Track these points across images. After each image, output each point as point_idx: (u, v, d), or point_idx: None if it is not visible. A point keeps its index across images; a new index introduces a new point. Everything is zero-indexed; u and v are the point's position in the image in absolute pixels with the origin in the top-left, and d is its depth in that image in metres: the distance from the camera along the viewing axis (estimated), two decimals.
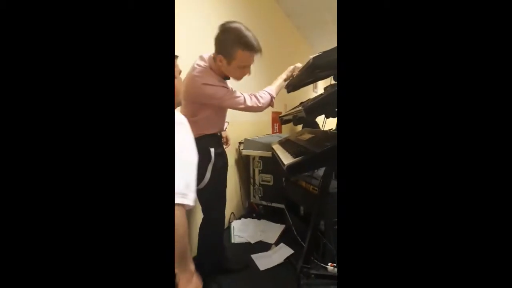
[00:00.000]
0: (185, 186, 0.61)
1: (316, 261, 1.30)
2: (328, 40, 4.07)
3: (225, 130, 1.25)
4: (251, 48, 1.01)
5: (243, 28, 1.00)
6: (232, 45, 1.00)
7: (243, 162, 2.09)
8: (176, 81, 0.79)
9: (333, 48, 0.84)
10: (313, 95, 4.11)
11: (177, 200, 0.59)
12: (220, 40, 1.03)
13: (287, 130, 3.15)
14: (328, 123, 1.48)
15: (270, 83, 1.26)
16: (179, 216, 0.60)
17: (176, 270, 0.63)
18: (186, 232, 0.63)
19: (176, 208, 0.59)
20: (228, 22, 1.02)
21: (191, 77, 1.07)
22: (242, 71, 1.08)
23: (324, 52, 0.83)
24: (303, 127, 2.65)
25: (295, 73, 1.25)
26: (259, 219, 1.94)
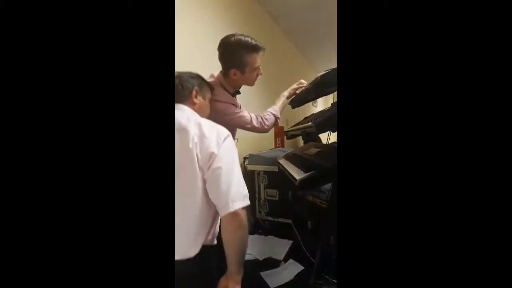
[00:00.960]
0: (242, 189, 0.72)
1: (327, 276, 1.28)
2: (326, 55, 4.19)
3: None
4: (256, 49, 1.08)
5: (241, 36, 1.07)
6: (240, 55, 1.06)
7: (248, 177, 2.09)
8: (205, 102, 0.86)
9: None
10: (313, 110, 4.17)
11: (239, 204, 0.69)
12: (227, 56, 1.09)
13: (288, 145, 3.17)
14: (331, 137, 1.51)
15: (271, 99, 1.29)
16: (244, 218, 0.70)
17: (232, 268, 0.72)
18: (248, 233, 0.74)
19: (240, 212, 0.69)
20: (226, 37, 1.08)
21: None
22: (255, 74, 1.14)
23: (332, 70, 0.87)
24: (305, 142, 2.68)
25: (298, 91, 1.28)
26: (266, 235, 1.92)
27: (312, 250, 1.46)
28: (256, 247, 1.75)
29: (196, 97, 0.81)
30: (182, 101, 0.79)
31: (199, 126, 0.72)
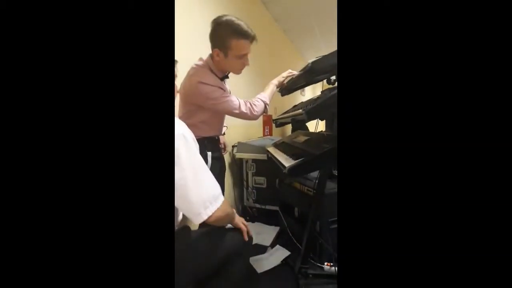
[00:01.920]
0: (213, 189, 0.69)
1: (313, 261, 1.32)
2: (314, 43, 4.18)
3: (223, 134, 1.25)
4: (245, 35, 1.02)
5: (234, 19, 1.01)
6: (226, 36, 1.01)
7: (237, 165, 2.09)
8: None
9: (330, 53, 0.87)
10: (301, 98, 4.17)
11: (213, 208, 0.68)
12: (214, 35, 1.04)
13: (277, 133, 3.18)
14: (319, 125, 1.52)
15: (259, 84, 1.27)
16: (223, 212, 0.71)
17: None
18: (233, 211, 0.83)
19: (216, 213, 0.68)
20: (219, 17, 1.03)
21: (188, 77, 1.08)
22: (240, 62, 1.08)
23: (323, 57, 0.86)
24: (293, 130, 2.68)
25: (286, 81, 1.26)
26: (253, 222, 1.94)
27: (299, 236, 1.50)
28: None
29: None
30: None
31: None
